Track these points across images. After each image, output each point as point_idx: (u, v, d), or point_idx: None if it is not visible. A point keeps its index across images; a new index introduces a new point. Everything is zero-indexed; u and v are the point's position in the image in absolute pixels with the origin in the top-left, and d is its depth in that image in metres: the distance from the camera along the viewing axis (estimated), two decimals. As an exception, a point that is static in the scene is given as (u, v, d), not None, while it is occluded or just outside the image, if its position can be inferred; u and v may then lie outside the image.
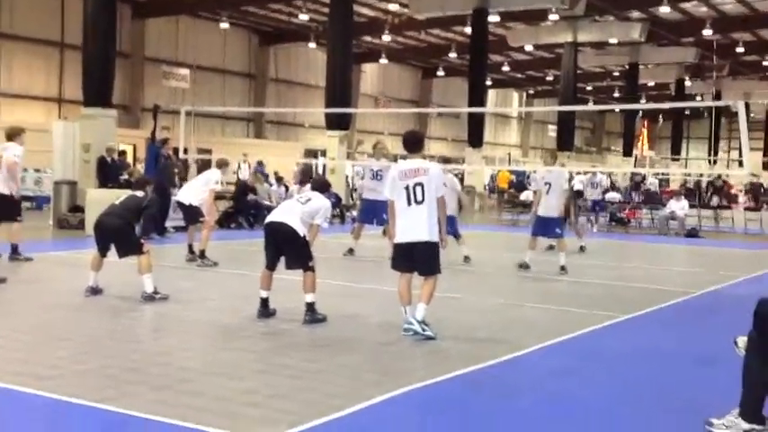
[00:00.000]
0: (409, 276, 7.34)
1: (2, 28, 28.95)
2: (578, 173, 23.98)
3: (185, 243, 12.25)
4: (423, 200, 7.18)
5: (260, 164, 28.86)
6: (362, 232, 13.84)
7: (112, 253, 8.79)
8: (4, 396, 5.13)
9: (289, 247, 7.80)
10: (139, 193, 9.09)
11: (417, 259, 7.25)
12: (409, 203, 7.22)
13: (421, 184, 7.20)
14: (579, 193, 22.12)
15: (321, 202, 8.01)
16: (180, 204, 12.30)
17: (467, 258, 13.04)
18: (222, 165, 12.61)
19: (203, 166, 22.87)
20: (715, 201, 26.96)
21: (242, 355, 6.44)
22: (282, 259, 7.86)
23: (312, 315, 7.65)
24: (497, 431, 4.79)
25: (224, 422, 4.66)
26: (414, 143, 7.61)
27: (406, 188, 7.23)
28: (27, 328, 7.17)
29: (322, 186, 8.54)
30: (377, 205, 12.85)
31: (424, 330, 7.04)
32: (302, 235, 7.76)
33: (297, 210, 7.88)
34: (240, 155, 28.89)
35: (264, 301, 7.85)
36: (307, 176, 22.00)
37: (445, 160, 12.93)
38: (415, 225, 7.19)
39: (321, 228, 8.05)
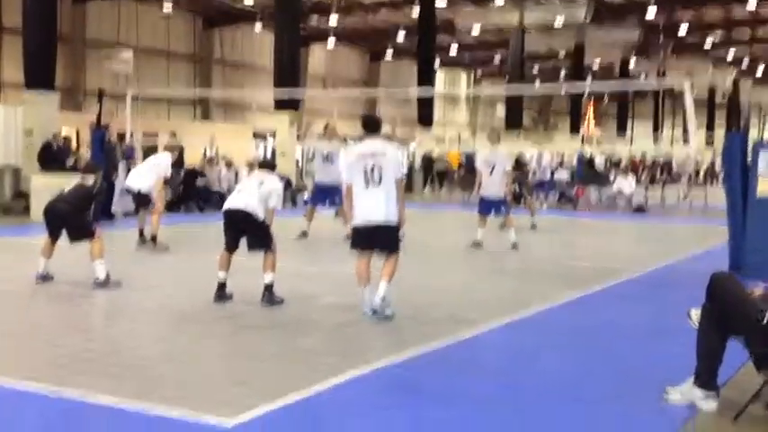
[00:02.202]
0: (368, 256, 7.30)
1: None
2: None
3: (135, 228, 12.04)
4: (380, 181, 7.15)
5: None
6: (315, 214, 13.75)
7: (63, 239, 8.59)
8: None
9: (251, 231, 7.80)
10: (89, 181, 8.88)
11: (377, 240, 7.22)
12: (367, 185, 7.16)
13: (379, 166, 7.17)
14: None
15: (273, 185, 7.99)
16: (129, 191, 12.05)
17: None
18: (172, 149, 12.39)
19: (149, 150, 22.39)
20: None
21: (199, 340, 6.37)
22: (243, 241, 7.82)
23: (270, 297, 7.62)
24: (453, 411, 4.80)
25: (182, 406, 4.60)
26: (372, 124, 7.60)
27: (364, 170, 7.18)
28: (-25, 317, 6.99)
29: (270, 167, 8.61)
30: (328, 188, 12.80)
31: (383, 310, 7.04)
32: (263, 218, 7.77)
33: (254, 193, 7.86)
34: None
35: (222, 285, 7.78)
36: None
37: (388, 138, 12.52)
38: (373, 207, 7.14)
39: (276, 209, 8.02)
